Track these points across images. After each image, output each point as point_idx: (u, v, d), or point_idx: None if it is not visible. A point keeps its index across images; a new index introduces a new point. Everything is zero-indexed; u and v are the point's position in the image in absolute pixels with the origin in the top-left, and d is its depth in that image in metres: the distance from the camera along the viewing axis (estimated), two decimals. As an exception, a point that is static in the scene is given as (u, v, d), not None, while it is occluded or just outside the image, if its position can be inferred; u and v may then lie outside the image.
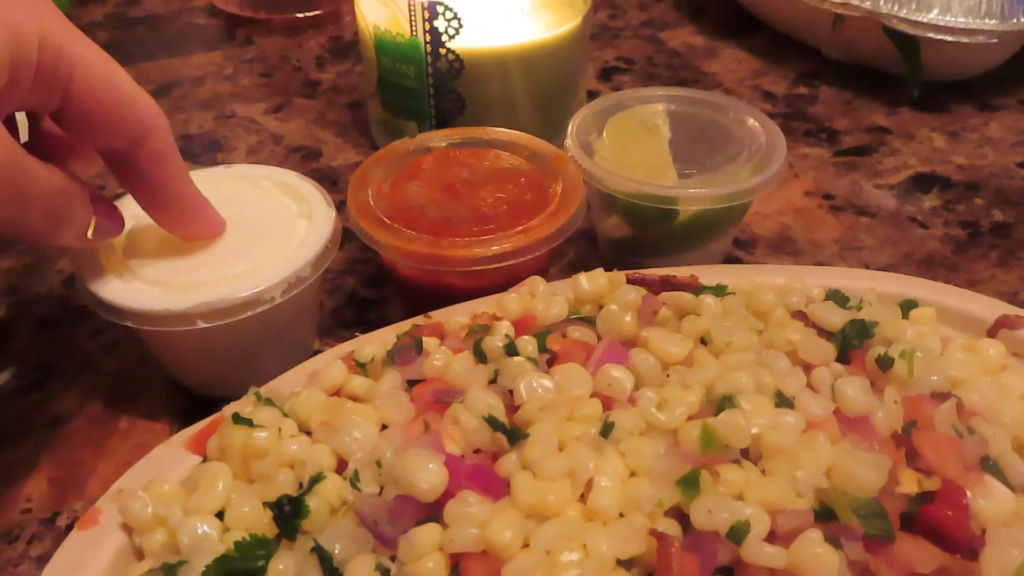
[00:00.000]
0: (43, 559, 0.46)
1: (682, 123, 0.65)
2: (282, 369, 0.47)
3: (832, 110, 0.86)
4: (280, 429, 0.38)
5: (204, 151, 0.86)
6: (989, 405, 0.40)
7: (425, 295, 0.56)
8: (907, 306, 0.47)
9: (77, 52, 0.36)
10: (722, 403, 0.37)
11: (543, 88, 0.74)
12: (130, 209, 0.54)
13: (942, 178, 0.75)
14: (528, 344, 0.40)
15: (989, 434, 0.38)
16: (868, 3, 0.82)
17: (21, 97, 0.35)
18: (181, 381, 0.57)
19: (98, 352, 0.61)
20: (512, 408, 0.37)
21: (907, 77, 0.85)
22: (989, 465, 0.37)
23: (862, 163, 0.78)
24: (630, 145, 0.62)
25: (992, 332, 0.46)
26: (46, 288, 0.67)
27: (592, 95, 0.91)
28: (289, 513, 0.34)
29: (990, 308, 0.47)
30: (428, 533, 0.32)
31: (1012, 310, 0.46)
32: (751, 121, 0.63)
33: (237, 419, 0.37)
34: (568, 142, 0.62)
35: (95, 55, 0.38)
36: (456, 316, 0.47)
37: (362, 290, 0.66)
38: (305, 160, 0.83)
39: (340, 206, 0.75)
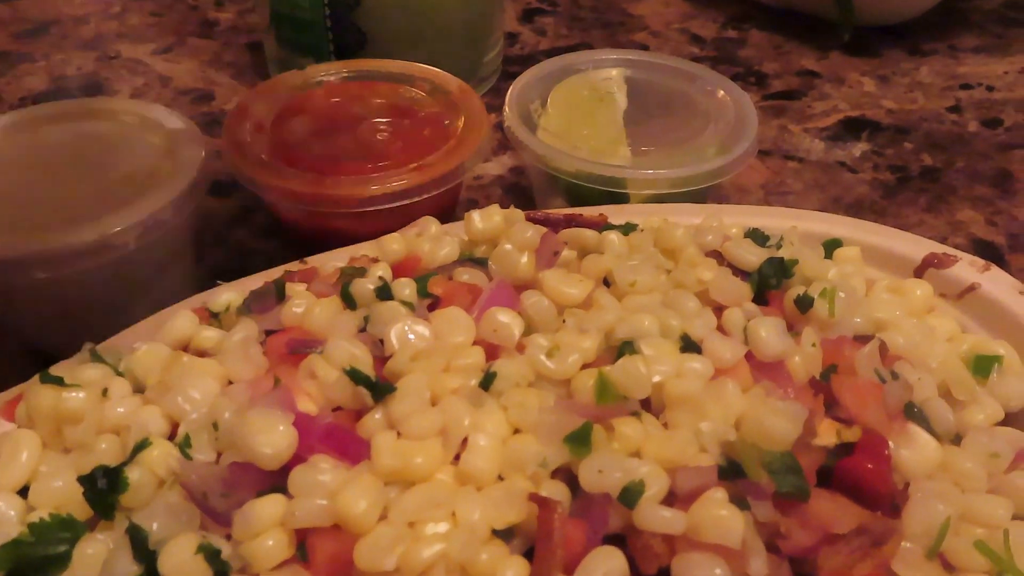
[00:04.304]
0: None
1: (641, 92, 0.57)
2: None
3: (762, 53, 0.82)
4: (106, 390, 0.32)
5: (82, 94, 0.78)
6: (915, 348, 0.37)
7: (314, 243, 0.50)
8: (831, 245, 0.43)
9: None
10: (622, 349, 0.32)
11: (452, 23, 0.68)
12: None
13: (872, 122, 0.72)
14: (405, 287, 0.35)
15: (914, 379, 0.34)
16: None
17: None
18: (33, 342, 0.50)
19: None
20: (383, 360, 0.32)
21: (838, 21, 0.81)
22: (914, 412, 0.33)
23: (791, 107, 0.74)
24: (579, 116, 0.54)
25: (919, 272, 0.43)
26: None
27: (511, 37, 0.85)
28: (104, 487, 0.28)
29: (917, 247, 0.43)
30: (268, 505, 0.27)
31: (940, 248, 0.43)
32: (721, 93, 0.56)
33: (45, 378, 0.31)
34: (506, 111, 0.54)
35: None
36: (335, 261, 0.41)
37: (251, 241, 0.60)
38: (195, 103, 0.75)
39: (229, 152, 0.67)
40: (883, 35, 0.84)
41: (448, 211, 0.55)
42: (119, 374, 0.34)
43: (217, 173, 0.66)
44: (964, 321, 0.41)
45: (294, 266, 0.42)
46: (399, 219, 0.47)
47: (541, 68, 0.58)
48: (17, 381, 0.48)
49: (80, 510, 0.29)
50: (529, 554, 0.27)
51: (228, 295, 0.37)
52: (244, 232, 0.61)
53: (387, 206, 0.47)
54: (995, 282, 0.41)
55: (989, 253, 0.58)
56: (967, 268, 0.42)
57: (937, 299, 0.41)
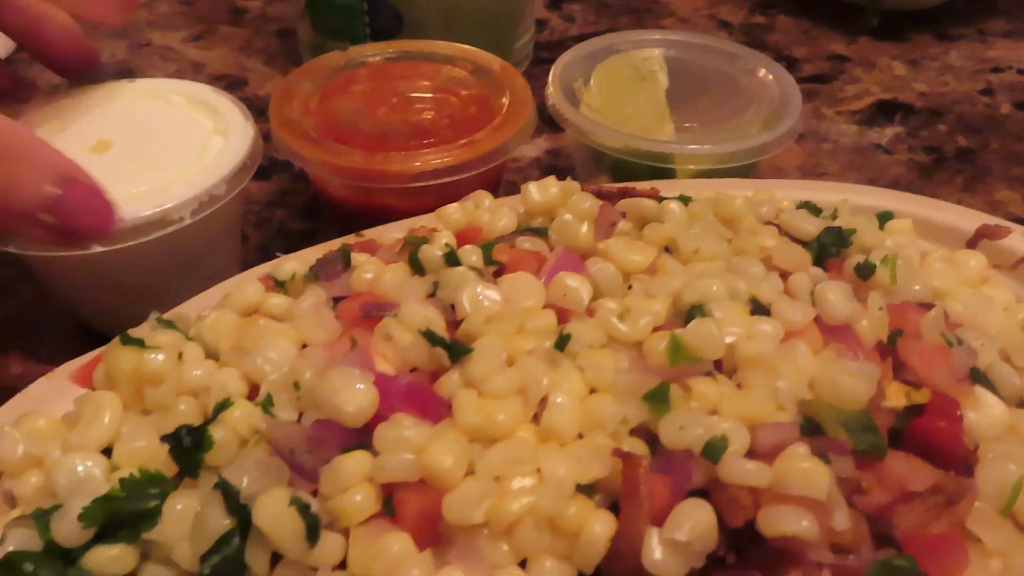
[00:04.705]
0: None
1: (682, 71, 0.57)
2: None
3: (790, 39, 0.83)
4: (181, 354, 0.32)
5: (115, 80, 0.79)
6: (973, 317, 0.37)
7: (360, 220, 0.50)
8: (883, 218, 0.43)
9: None
10: (691, 312, 0.32)
11: (486, 8, 0.68)
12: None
13: (904, 105, 0.72)
14: (472, 254, 0.35)
15: (977, 345, 0.35)
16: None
17: None
18: (84, 320, 0.51)
19: (-14, 292, 0.54)
20: (453, 324, 0.33)
21: (865, 6, 0.82)
22: (979, 376, 0.33)
23: (823, 91, 0.75)
24: (621, 95, 0.55)
25: (972, 243, 0.43)
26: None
27: (540, 23, 0.85)
28: (189, 445, 0.28)
29: (969, 219, 0.44)
30: (355, 461, 0.27)
31: (992, 220, 0.43)
32: (763, 72, 0.56)
33: (126, 339, 0.32)
34: (549, 89, 0.54)
35: None
36: (392, 233, 0.42)
37: (292, 222, 0.61)
38: (229, 89, 0.75)
39: (269, 137, 0.68)
40: (910, 20, 0.84)
41: (491, 192, 0.55)
42: (189, 340, 0.34)
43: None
44: (1019, 291, 0.41)
45: (351, 239, 0.42)
46: (445, 197, 0.47)
47: (582, 48, 0.58)
48: (69, 356, 0.49)
49: (163, 470, 0.29)
50: (612, 510, 0.28)
51: (293, 264, 0.37)
52: (284, 213, 0.61)
53: (437, 181, 0.47)
54: (1049, 252, 0.41)
55: (1029, 232, 0.58)
56: (1020, 239, 0.42)
57: (991, 270, 0.42)
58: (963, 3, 0.85)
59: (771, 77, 0.55)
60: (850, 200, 0.45)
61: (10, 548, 0.27)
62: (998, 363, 0.35)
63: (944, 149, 0.67)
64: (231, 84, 0.76)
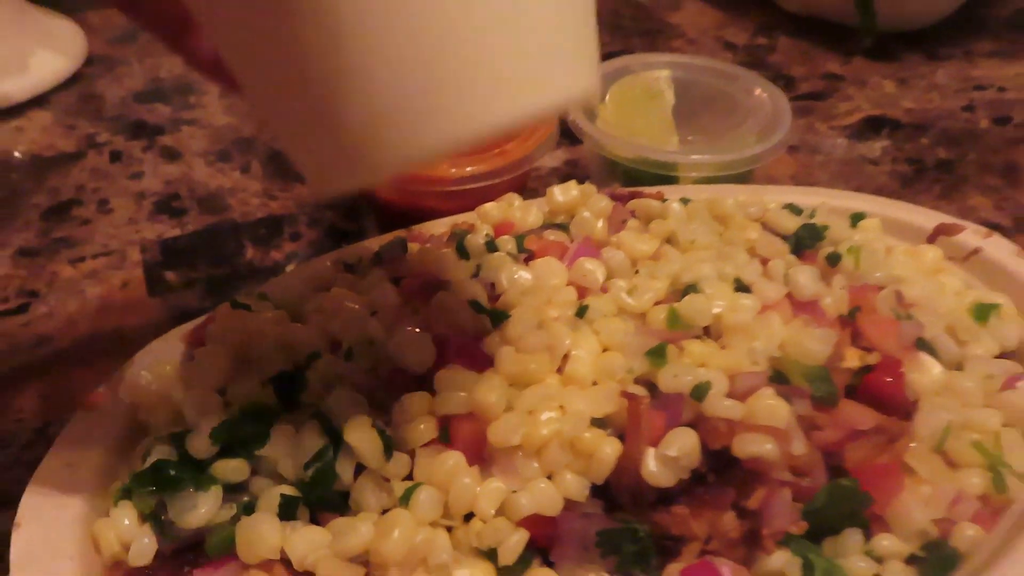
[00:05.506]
0: (34, 464, 0.48)
1: (687, 91, 0.65)
2: None
3: (790, 59, 0.90)
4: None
5: (175, 94, 0.87)
6: (928, 300, 0.44)
7: (404, 219, 0.58)
8: (856, 218, 0.51)
9: None
10: (686, 290, 0.40)
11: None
12: None
13: (891, 120, 0.80)
14: (508, 243, 0.43)
15: (925, 320, 0.42)
16: (824, -47, 0.85)
17: None
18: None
19: (80, 279, 0.62)
20: (493, 298, 0.40)
21: (861, 28, 0.89)
22: (924, 344, 0.41)
23: (817, 107, 0.82)
24: (633, 111, 0.63)
25: (931, 239, 0.50)
26: (23, 221, 0.68)
27: (560, 44, 0.93)
28: (290, 386, 0.36)
29: (930, 218, 0.51)
30: (419, 399, 0.35)
31: (949, 219, 0.50)
32: (758, 91, 0.64)
33: (235, 304, 0.40)
34: None
35: None
36: (436, 228, 0.50)
37: (341, 222, 0.68)
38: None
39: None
40: (903, 41, 0.91)
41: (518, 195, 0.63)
42: (278, 308, 0.42)
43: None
44: (969, 279, 0.48)
45: (403, 232, 0.50)
46: (478, 199, 0.55)
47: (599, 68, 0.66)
48: (154, 336, 0.55)
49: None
50: (619, 439, 0.35)
51: (358, 250, 0.45)
52: (332, 214, 0.69)
53: (473, 185, 0.55)
54: (996, 247, 0.48)
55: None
56: (972, 235, 0.49)
57: (946, 262, 0.49)
58: (954, 24, 0.92)
59: (765, 95, 0.63)
60: (828, 203, 0.52)
61: (155, 459, 0.35)
62: (942, 335, 0.42)
63: (925, 160, 0.74)
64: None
